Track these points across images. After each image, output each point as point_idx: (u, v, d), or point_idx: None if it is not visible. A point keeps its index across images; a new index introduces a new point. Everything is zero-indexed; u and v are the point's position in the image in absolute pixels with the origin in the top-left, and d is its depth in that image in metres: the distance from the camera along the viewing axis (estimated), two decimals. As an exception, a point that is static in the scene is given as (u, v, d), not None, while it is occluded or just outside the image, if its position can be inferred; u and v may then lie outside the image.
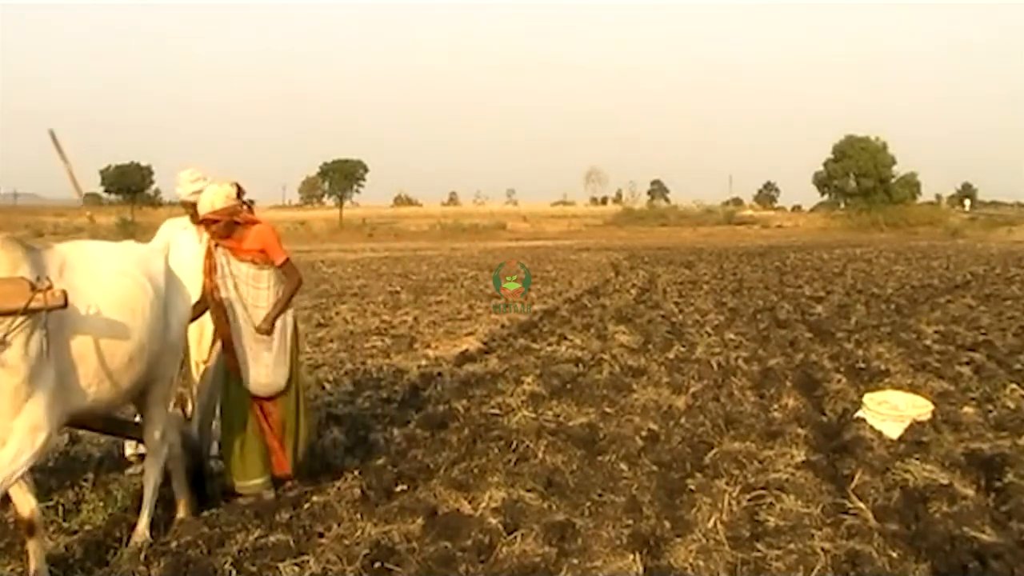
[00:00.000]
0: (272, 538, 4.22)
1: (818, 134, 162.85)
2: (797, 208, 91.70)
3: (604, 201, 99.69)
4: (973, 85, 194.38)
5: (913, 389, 6.96)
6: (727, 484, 4.90)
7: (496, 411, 6.71)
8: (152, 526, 4.37)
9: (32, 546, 3.75)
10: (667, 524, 4.40)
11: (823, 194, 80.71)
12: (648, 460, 5.46)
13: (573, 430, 6.15)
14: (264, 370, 4.86)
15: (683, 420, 6.45)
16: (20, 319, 3.41)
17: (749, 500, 4.68)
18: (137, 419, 4.79)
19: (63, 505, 4.68)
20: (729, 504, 4.61)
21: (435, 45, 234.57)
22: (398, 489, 5.00)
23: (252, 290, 4.88)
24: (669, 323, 12.16)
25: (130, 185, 74.33)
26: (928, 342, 10.03)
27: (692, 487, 4.95)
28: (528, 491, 4.83)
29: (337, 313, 13.98)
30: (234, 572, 3.90)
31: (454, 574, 3.89)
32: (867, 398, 6.35)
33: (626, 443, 5.75)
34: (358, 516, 4.50)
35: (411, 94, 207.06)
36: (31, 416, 3.52)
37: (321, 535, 4.32)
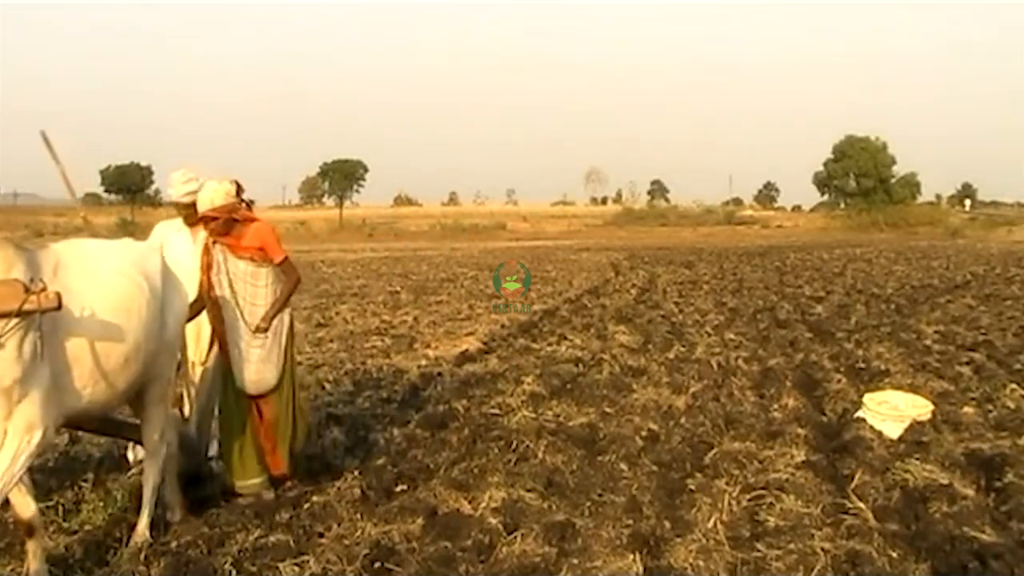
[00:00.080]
0: (272, 538, 4.22)
1: (818, 134, 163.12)
2: (797, 208, 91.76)
3: (604, 201, 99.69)
4: (973, 85, 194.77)
5: (913, 389, 6.96)
6: (727, 484, 4.90)
7: (496, 411, 6.71)
8: (152, 526, 4.36)
9: (32, 546, 3.74)
10: (667, 524, 4.41)
11: (823, 194, 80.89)
12: (648, 460, 5.46)
13: (573, 430, 6.14)
14: (253, 367, 4.85)
15: (683, 420, 6.45)
16: (14, 321, 3.39)
17: (749, 500, 4.69)
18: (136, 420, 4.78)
19: (63, 505, 4.67)
20: (729, 504, 4.62)
21: (435, 45, 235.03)
22: (398, 489, 5.00)
23: (250, 288, 4.87)
24: (669, 323, 12.16)
25: (130, 185, 74.32)
26: (928, 342, 10.03)
27: (692, 487, 4.95)
28: (528, 491, 4.83)
29: (337, 313, 13.97)
30: (234, 572, 3.90)
31: (454, 574, 3.89)
32: (867, 398, 6.35)
33: (626, 443, 5.75)
34: (358, 516, 4.50)
35: (411, 94, 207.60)
36: (26, 417, 3.51)
37: (321, 535, 4.31)
